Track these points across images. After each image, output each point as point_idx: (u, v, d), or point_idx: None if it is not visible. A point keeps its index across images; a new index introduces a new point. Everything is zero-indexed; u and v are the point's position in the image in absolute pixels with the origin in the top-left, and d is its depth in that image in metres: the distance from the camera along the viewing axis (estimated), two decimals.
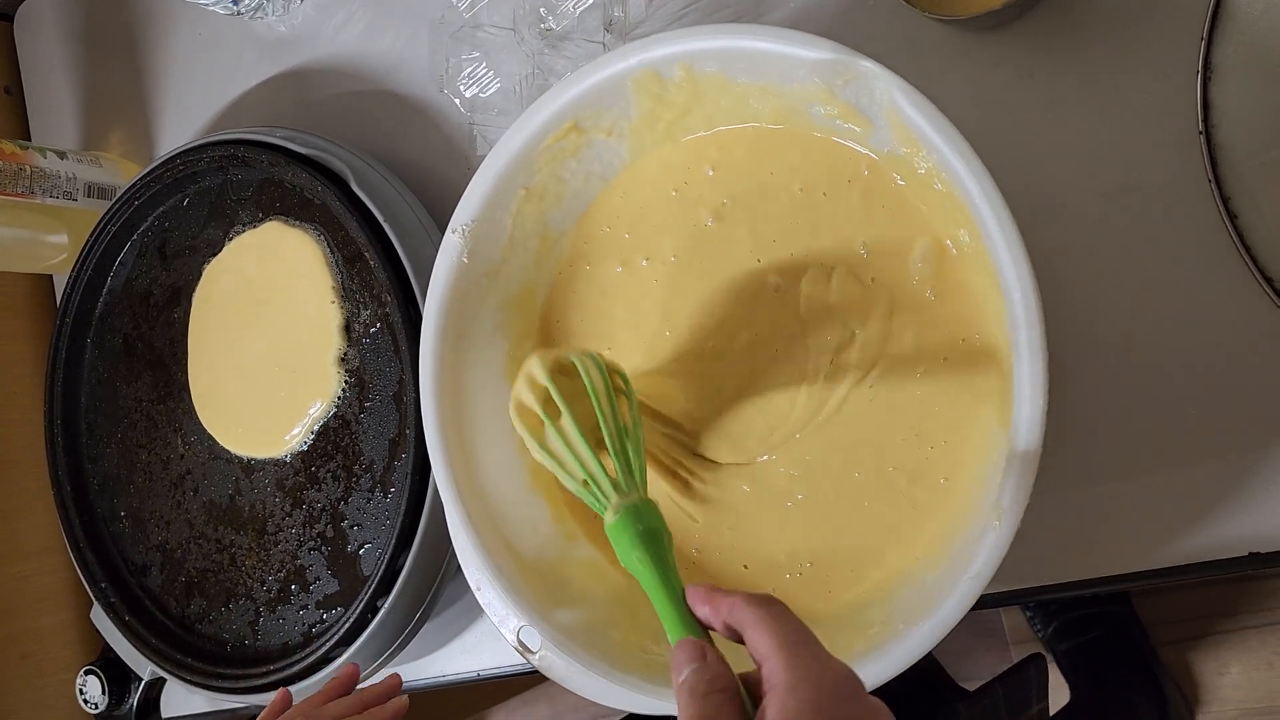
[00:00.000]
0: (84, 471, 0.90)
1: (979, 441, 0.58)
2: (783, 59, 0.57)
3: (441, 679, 0.84)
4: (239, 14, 0.90)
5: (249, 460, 0.82)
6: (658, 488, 0.65)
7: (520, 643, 0.63)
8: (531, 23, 0.74)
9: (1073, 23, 0.62)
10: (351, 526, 0.77)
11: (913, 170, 0.59)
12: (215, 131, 0.88)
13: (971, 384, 0.59)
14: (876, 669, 0.53)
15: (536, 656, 0.63)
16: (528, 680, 1.42)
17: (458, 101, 0.80)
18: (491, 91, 0.78)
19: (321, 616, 0.79)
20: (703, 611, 0.48)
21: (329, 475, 0.79)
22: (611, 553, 0.67)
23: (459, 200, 0.65)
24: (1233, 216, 0.56)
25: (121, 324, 0.90)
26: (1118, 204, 0.62)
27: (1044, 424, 0.50)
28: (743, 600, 0.45)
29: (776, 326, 0.63)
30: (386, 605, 0.74)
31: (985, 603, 0.58)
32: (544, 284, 0.69)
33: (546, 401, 0.58)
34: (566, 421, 0.57)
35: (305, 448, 0.80)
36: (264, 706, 0.84)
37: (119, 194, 0.87)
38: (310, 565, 0.79)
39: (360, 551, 0.77)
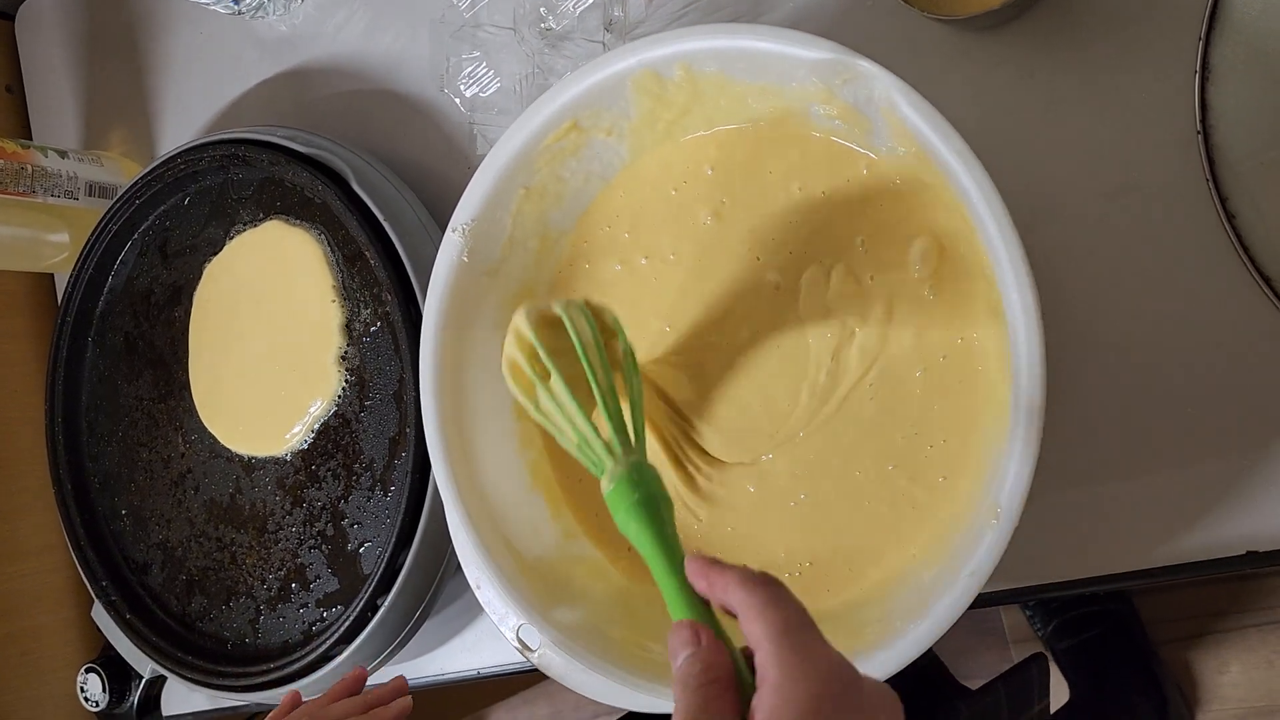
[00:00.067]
0: (85, 470, 0.90)
1: (978, 441, 0.58)
2: (782, 59, 0.57)
3: (442, 677, 0.84)
4: (240, 13, 0.91)
5: (249, 459, 0.83)
6: (666, 479, 0.65)
7: (520, 641, 0.63)
8: (532, 22, 0.75)
9: (1072, 23, 0.62)
10: (352, 525, 0.78)
11: (911, 170, 0.59)
12: (216, 131, 0.88)
13: (970, 383, 0.59)
14: (875, 667, 0.53)
15: (536, 655, 0.63)
16: (528, 679, 1.42)
17: (458, 101, 0.80)
18: (492, 91, 0.78)
19: (322, 615, 0.79)
20: (701, 586, 0.46)
21: (329, 474, 0.79)
22: (611, 551, 0.67)
23: (459, 199, 0.65)
24: (1230, 216, 0.56)
25: (122, 323, 0.90)
26: (1117, 204, 0.62)
27: (1042, 423, 0.51)
28: (737, 580, 0.44)
29: (777, 324, 0.63)
30: (386, 604, 0.74)
31: (984, 601, 0.58)
32: (544, 283, 0.69)
33: (535, 359, 0.55)
34: (556, 382, 0.54)
35: (305, 446, 0.80)
36: (264, 704, 0.85)
37: (120, 193, 0.88)
38: (310, 563, 0.79)
39: (360, 550, 0.77)
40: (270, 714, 0.67)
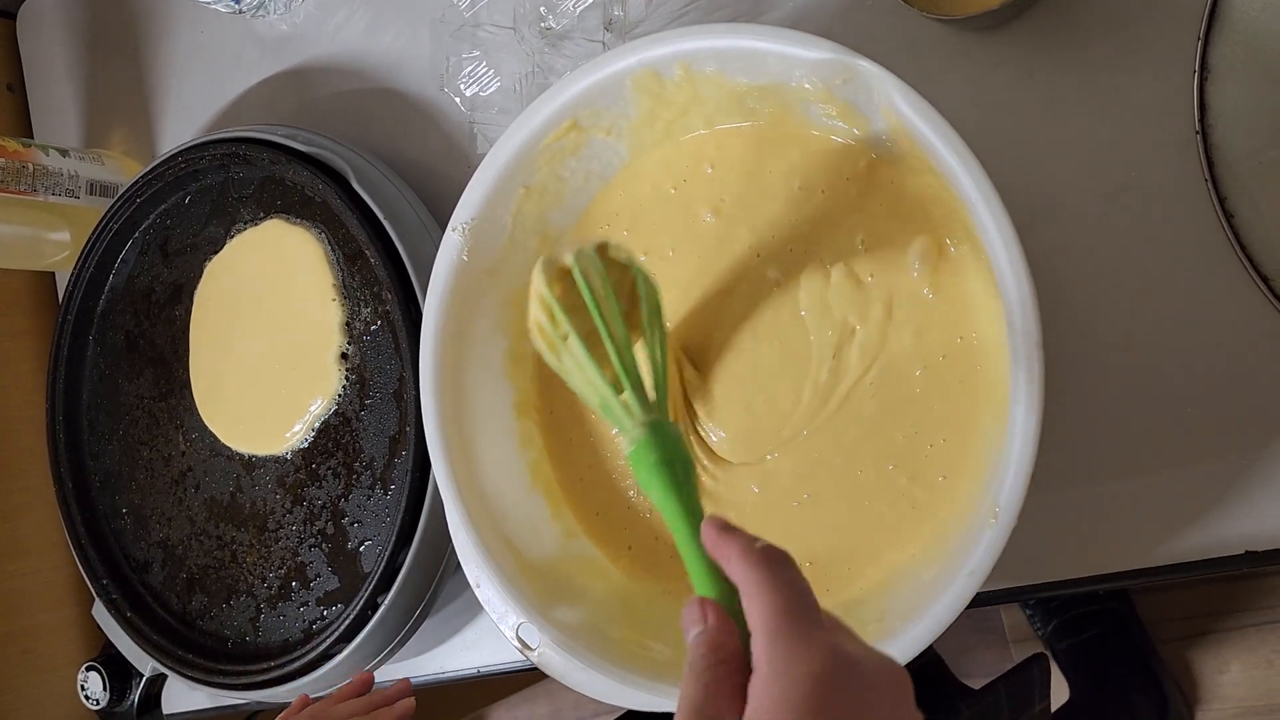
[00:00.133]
0: (85, 468, 0.91)
1: (977, 440, 0.58)
2: (782, 59, 0.57)
3: (442, 675, 0.84)
4: (240, 12, 0.91)
5: (250, 457, 0.83)
6: None
7: (519, 639, 0.63)
8: (532, 21, 0.75)
9: (1071, 23, 0.63)
10: (352, 523, 0.78)
11: (911, 169, 0.59)
12: (217, 129, 0.88)
13: (970, 382, 0.59)
14: None
15: (535, 653, 0.63)
16: (528, 677, 1.42)
17: (458, 100, 0.80)
18: (492, 90, 0.78)
19: (322, 613, 0.79)
20: (713, 554, 0.44)
21: (329, 472, 0.79)
22: (611, 550, 0.67)
23: (459, 198, 0.65)
24: (1229, 216, 0.57)
25: (123, 321, 0.90)
26: (1117, 204, 0.62)
27: (1040, 423, 0.51)
28: (739, 552, 0.41)
29: (778, 321, 0.63)
30: (386, 602, 0.74)
31: (983, 600, 0.58)
32: None
33: (555, 318, 0.53)
34: (573, 341, 0.52)
35: (306, 445, 0.80)
36: (264, 702, 0.85)
37: (121, 191, 0.88)
38: (311, 562, 0.79)
39: (360, 548, 0.77)
40: (281, 714, 0.68)
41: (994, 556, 0.51)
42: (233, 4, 0.89)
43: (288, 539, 0.80)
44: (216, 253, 0.85)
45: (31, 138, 1.07)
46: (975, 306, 0.59)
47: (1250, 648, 1.27)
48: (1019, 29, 0.64)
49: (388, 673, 0.83)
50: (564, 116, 0.63)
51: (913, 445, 0.60)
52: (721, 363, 0.64)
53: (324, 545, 0.79)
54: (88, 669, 0.93)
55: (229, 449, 0.84)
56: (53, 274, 1.08)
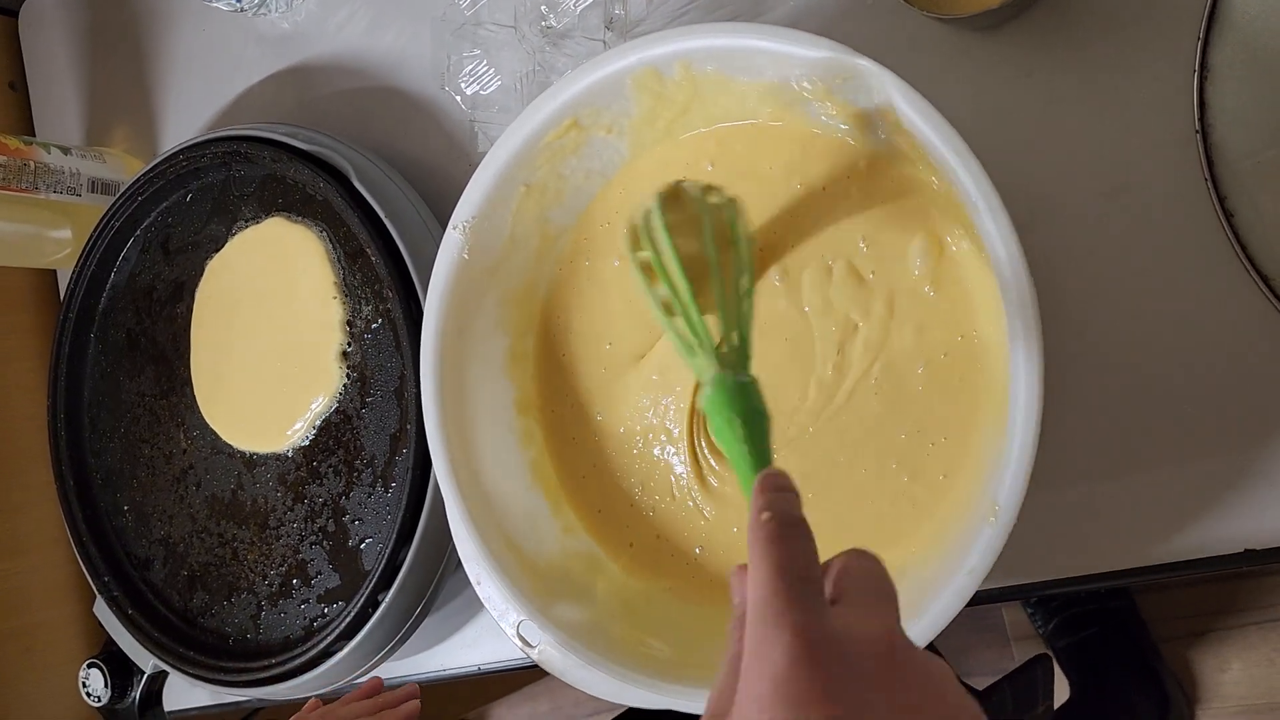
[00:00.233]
0: (87, 466, 0.91)
1: (977, 438, 0.59)
2: (781, 58, 0.57)
3: (442, 673, 0.84)
4: (242, 10, 0.91)
5: (251, 455, 0.83)
6: (680, 478, 0.66)
7: (520, 637, 0.63)
8: (533, 20, 0.75)
9: (1071, 22, 0.63)
10: (353, 521, 0.78)
11: (910, 167, 0.59)
12: (218, 127, 0.88)
13: (970, 381, 0.59)
14: None
15: (536, 651, 0.63)
16: (528, 675, 1.42)
17: (459, 98, 0.80)
18: (492, 89, 0.78)
19: (323, 610, 0.79)
20: None
21: (330, 470, 0.79)
22: (611, 548, 0.68)
23: (460, 197, 0.65)
24: (1229, 215, 0.57)
25: (125, 319, 0.90)
26: (1116, 203, 0.62)
27: (1040, 421, 0.51)
28: (755, 509, 0.39)
29: (781, 319, 0.63)
30: (387, 600, 0.74)
31: (983, 598, 0.58)
32: (545, 279, 0.70)
33: (650, 242, 0.53)
34: (678, 278, 0.52)
35: (307, 443, 0.80)
36: (265, 700, 0.85)
37: (122, 189, 0.88)
38: (312, 560, 0.79)
39: (361, 546, 0.77)
40: (292, 717, 0.68)
41: (993, 555, 0.51)
42: (234, 2, 0.89)
43: (289, 536, 0.81)
44: (218, 251, 0.85)
45: (33, 136, 1.07)
46: (976, 304, 0.59)
47: (1251, 646, 1.27)
48: (1018, 28, 0.64)
49: (388, 670, 0.84)
50: (565, 115, 0.63)
51: (914, 443, 0.60)
52: None
53: (325, 543, 0.79)
54: (89, 666, 0.93)
55: (230, 447, 0.84)
56: (54, 271, 1.08)
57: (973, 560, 0.52)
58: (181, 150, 0.85)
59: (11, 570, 0.99)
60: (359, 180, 0.77)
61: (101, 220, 0.88)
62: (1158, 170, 0.61)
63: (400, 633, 0.77)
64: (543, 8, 0.74)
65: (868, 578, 0.39)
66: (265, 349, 0.82)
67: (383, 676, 0.82)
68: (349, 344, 0.78)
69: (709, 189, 0.55)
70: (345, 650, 0.75)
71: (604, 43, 0.74)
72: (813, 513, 0.62)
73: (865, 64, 0.54)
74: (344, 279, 0.79)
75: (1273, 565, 0.59)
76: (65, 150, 0.93)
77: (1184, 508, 0.60)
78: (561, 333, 0.69)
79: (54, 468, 0.90)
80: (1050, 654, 1.08)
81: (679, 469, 0.66)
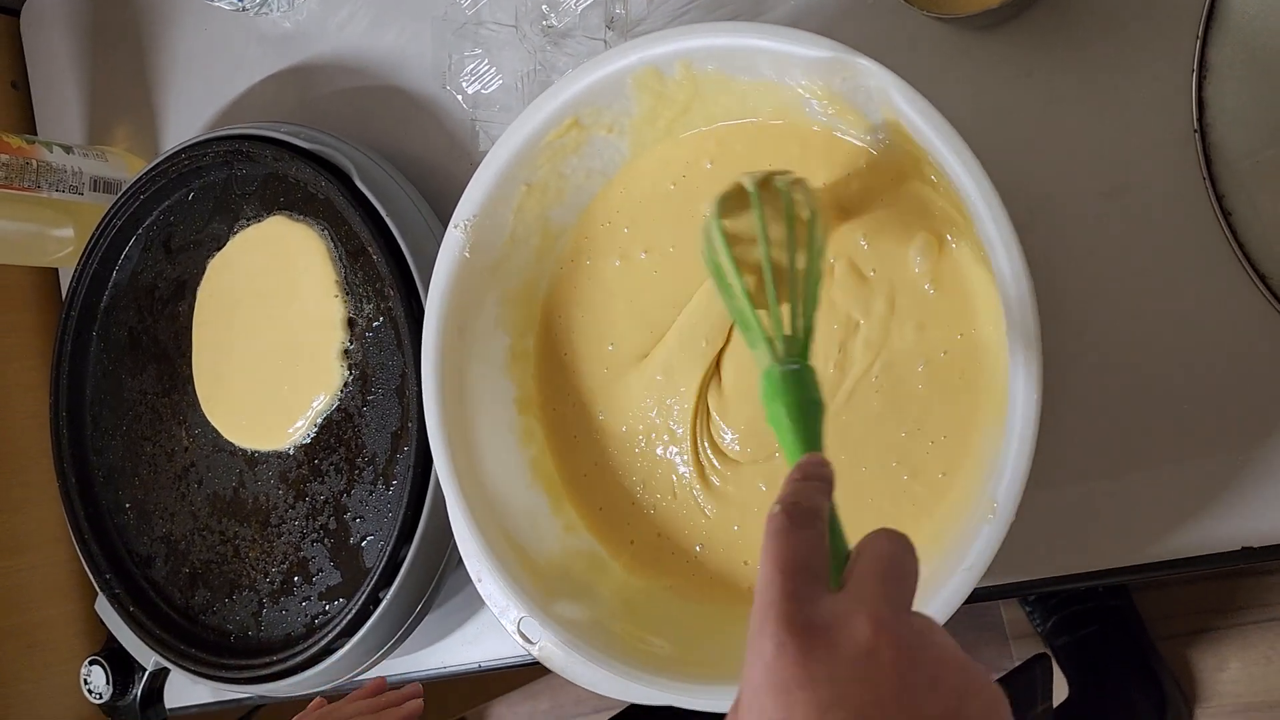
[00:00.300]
0: (89, 464, 0.91)
1: (977, 437, 0.59)
2: (782, 57, 0.57)
3: (443, 670, 0.85)
4: (244, 10, 0.91)
5: (252, 453, 0.83)
6: (683, 476, 0.66)
7: (521, 633, 0.63)
8: (534, 19, 0.75)
9: (1070, 22, 0.63)
10: (354, 519, 0.78)
11: (910, 166, 0.59)
12: (220, 126, 0.88)
13: (970, 379, 0.59)
14: None
15: (537, 648, 0.63)
16: (528, 674, 1.42)
17: (460, 98, 0.80)
18: (494, 88, 0.79)
19: (324, 608, 0.79)
20: None
21: (332, 468, 0.79)
22: (612, 546, 0.68)
23: (461, 195, 0.65)
24: (1227, 214, 0.57)
25: (126, 317, 0.90)
26: (1115, 202, 0.62)
27: (1038, 420, 0.51)
28: (781, 494, 0.39)
29: None
30: (388, 597, 0.74)
31: (981, 596, 0.58)
32: (545, 278, 0.70)
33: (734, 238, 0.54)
34: (734, 280, 0.52)
35: (308, 440, 0.80)
36: (266, 697, 0.85)
37: (124, 188, 0.88)
38: (313, 557, 0.80)
39: (362, 543, 0.78)
40: (296, 716, 0.69)
41: (992, 552, 0.52)
42: (236, 1, 0.90)
43: (290, 534, 0.81)
44: (219, 249, 0.85)
45: (35, 134, 1.07)
46: (975, 303, 0.59)
47: (1249, 645, 1.27)
48: (1018, 28, 0.64)
49: (388, 668, 0.84)
50: (566, 114, 0.63)
51: (914, 442, 0.60)
52: (731, 359, 0.65)
53: (326, 540, 0.79)
54: (91, 663, 0.93)
55: (231, 444, 0.84)
56: (56, 270, 1.08)
57: (971, 557, 0.52)
58: (183, 149, 0.85)
59: (13, 568, 0.99)
60: (360, 179, 0.77)
61: (103, 219, 0.89)
62: (1157, 170, 0.61)
63: (401, 630, 0.77)
64: (544, 7, 0.74)
65: (878, 560, 0.39)
66: (267, 347, 0.82)
67: (383, 674, 0.82)
68: (350, 342, 0.79)
69: (779, 174, 0.55)
70: (346, 647, 0.75)
71: (605, 42, 0.74)
72: None
73: (865, 63, 0.54)
74: (345, 277, 0.79)
75: (1270, 563, 0.59)
76: (67, 149, 0.93)
77: (1181, 506, 0.60)
78: (563, 332, 0.69)
79: (56, 465, 0.90)
80: (1049, 653, 1.08)
81: (682, 469, 0.66)
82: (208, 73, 0.97)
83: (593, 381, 0.69)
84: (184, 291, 0.87)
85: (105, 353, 0.91)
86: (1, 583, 0.98)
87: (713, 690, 0.58)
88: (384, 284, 0.76)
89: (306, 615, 0.80)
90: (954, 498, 0.59)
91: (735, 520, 0.65)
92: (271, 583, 0.81)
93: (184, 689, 0.97)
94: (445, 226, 0.65)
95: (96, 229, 0.89)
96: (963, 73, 0.66)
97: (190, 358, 0.86)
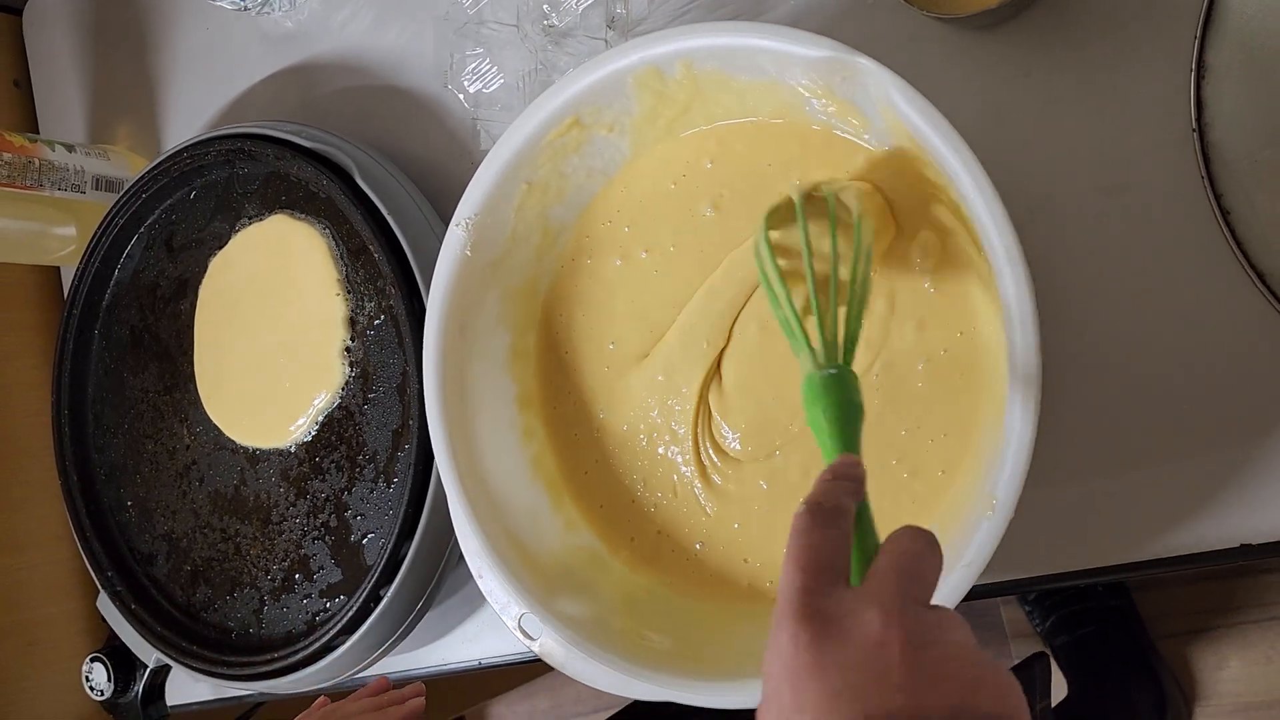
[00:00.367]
0: (91, 461, 0.91)
1: (977, 435, 0.59)
2: (782, 56, 0.57)
3: (444, 667, 0.85)
4: (246, 9, 0.91)
5: (254, 450, 0.83)
6: (684, 475, 0.66)
7: (521, 629, 0.64)
8: (535, 19, 0.75)
9: (1069, 22, 0.63)
10: (355, 516, 0.78)
11: (910, 165, 0.59)
12: (222, 125, 0.88)
13: (970, 377, 0.59)
14: None
15: (537, 644, 0.64)
16: (528, 672, 1.42)
17: (461, 97, 0.80)
18: (495, 87, 0.79)
19: (325, 605, 0.79)
20: None
21: (333, 465, 0.79)
22: (612, 543, 0.68)
23: (462, 194, 0.65)
24: (1225, 213, 0.57)
25: (128, 315, 0.90)
26: (1115, 202, 0.62)
27: (1037, 418, 0.51)
28: (809, 494, 0.41)
29: None
30: (389, 594, 0.74)
31: (980, 593, 0.58)
32: (546, 277, 0.70)
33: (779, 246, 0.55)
34: (779, 288, 0.54)
35: (309, 438, 0.80)
36: (268, 694, 0.85)
37: (126, 187, 0.88)
38: (314, 554, 0.80)
39: (363, 541, 0.78)
40: (299, 715, 0.69)
41: (991, 548, 0.52)
42: (238, 1, 0.90)
43: (291, 532, 0.81)
44: (221, 248, 0.85)
45: (37, 133, 1.07)
46: (975, 302, 0.59)
47: (1249, 644, 1.27)
48: (1017, 28, 0.64)
49: (389, 665, 0.84)
50: (566, 113, 0.63)
51: (915, 440, 0.60)
52: (732, 358, 0.65)
53: (327, 538, 0.79)
54: (92, 660, 0.93)
55: (233, 442, 0.84)
56: (58, 269, 1.09)
57: (970, 554, 0.52)
58: (185, 148, 0.85)
59: (14, 566, 1.00)
60: (362, 178, 0.77)
61: (105, 217, 0.89)
62: (1156, 169, 0.61)
63: (402, 627, 0.78)
64: (545, 7, 0.75)
65: (898, 556, 0.40)
66: (268, 345, 0.82)
67: (384, 671, 0.82)
68: (351, 340, 0.79)
69: (825, 182, 0.56)
70: (347, 645, 0.75)
71: (606, 41, 0.74)
72: None
73: (865, 63, 0.54)
74: (347, 276, 0.79)
75: (1270, 562, 0.59)
76: (69, 148, 0.93)
77: (1181, 504, 0.60)
78: (563, 330, 0.70)
79: (58, 463, 0.90)
80: (1048, 652, 1.08)
81: (683, 467, 0.66)
82: (209, 72, 0.97)
83: (593, 380, 0.69)
84: (186, 290, 0.87)
85: (107, 351, 0.91)
86: (3, 580, 0.98)
87: (712, 686, 0.58)
88: (385, 282, 0.76)
89: (307, 612, 0.80)
90: (954, 495, 0.59)
91: (736, 518, 0.65)
92: (273, 580, 0.82)
93: (185, 686, 0.97)
94: (446, 225, 0.66)
95: (99, 227, 0.89)
96: (962, 72, 0.66)
97: (192, 356, 0.87)
